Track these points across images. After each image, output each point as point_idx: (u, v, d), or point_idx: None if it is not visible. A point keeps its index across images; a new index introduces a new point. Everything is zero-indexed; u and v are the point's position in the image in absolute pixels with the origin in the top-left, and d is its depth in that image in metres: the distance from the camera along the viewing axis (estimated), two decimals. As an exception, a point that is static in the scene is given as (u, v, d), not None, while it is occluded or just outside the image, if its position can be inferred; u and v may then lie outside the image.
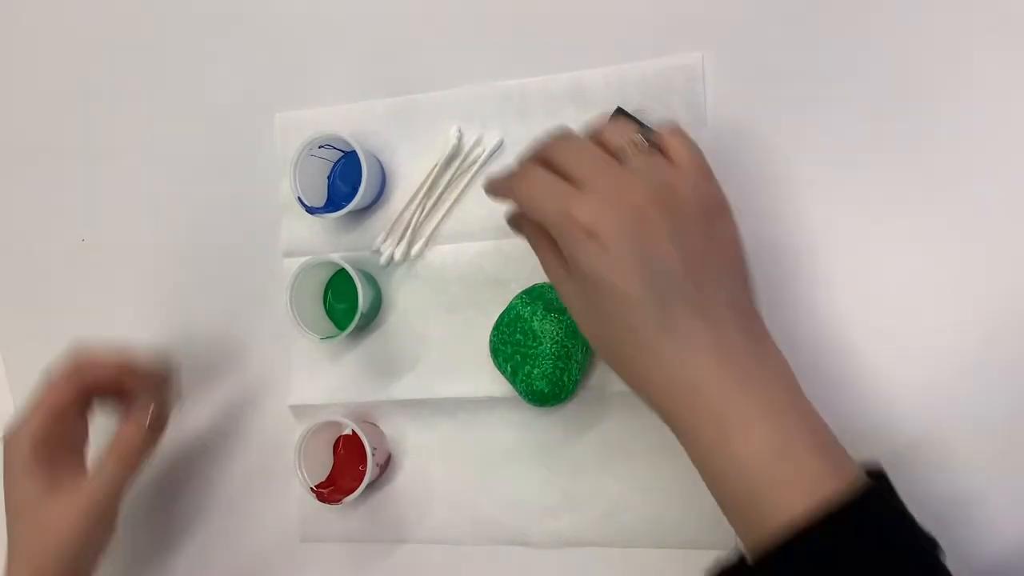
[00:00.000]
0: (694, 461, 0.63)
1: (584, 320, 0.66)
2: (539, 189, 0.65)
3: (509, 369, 0.83)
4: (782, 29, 0.82)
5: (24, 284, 1.06)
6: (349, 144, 0.87)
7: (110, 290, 1.02)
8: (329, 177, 0.93)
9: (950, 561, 0.69)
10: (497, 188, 0.70)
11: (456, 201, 0.89)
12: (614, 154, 0.64)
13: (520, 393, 0.84)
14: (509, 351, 0.83)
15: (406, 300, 0.91)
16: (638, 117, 0.81)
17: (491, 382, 0.87)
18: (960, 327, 0.77)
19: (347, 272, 0.86)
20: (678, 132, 0.67)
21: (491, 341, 0.84)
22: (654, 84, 0.84)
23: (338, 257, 0.87)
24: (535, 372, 0.81)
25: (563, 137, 0.67)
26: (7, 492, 0.84)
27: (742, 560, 0.61)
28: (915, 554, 0.60)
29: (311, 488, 0.87)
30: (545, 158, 0.66)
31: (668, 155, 0.65)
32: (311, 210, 0.88)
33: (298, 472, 0.87)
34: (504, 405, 0.88)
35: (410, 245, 0.90)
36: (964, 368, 0.77)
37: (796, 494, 0.58)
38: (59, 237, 1.04)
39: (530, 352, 0.82)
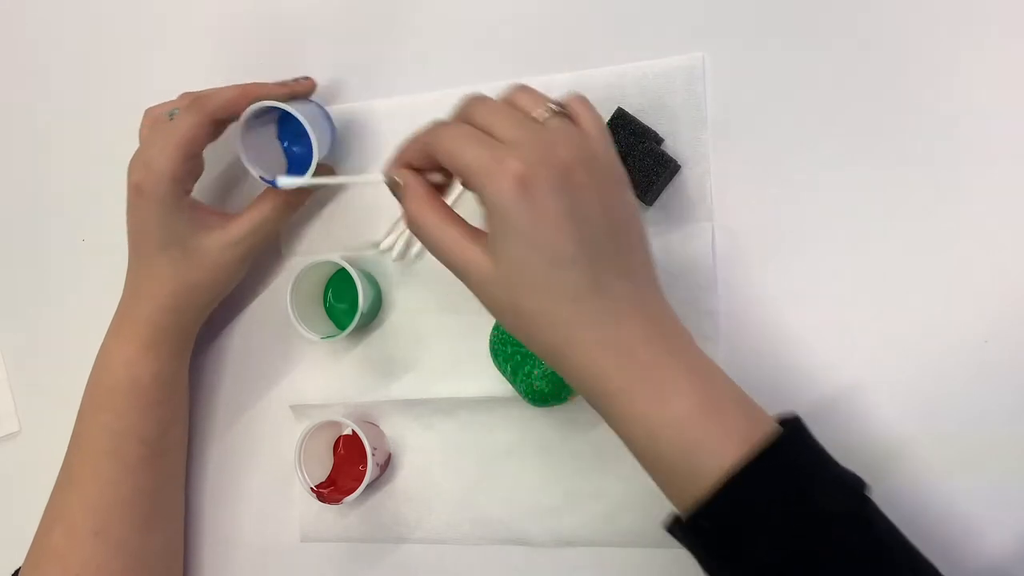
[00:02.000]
0: (620, 424, 0.63)
1: (499, 287, 0.63)
2: (465, 139, 0.63)
3: (509, 369, 0.83)
4: (782, 29, 0.82)
5: (24, 284, 1.06)
6: (278, 107, 0.85)
7: (110, 290, 1.01)
8: (285, 149, 0.92)
9: (947, 565, 0.69)
10: (408, 151, 0.68)
11: (457, 201, 0.89)
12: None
13: (520, 393, 0.83)
14: (509, 351, 0.83)
15: (406, 300, 0.91)
16: (638, 118, 0.81)
17: (491, 382, 0.87)
18: (960, 327, 0.77)
19: (347, 272, 0.86)
20: (584, 101, 0.66)
21: (491, 341, 0.84)
22: (655, 84, 0.84)
23: (338, 257, 0.87)
24: (535, 372, 0.81)
25: (481, 99, 0.66)
26: (146, 230, 0.86)
27: (677, 519, 0.63)
28: (840, 487, 0.62)
29: (311, 488, 0.87)
30: (466, 118, 0.65)
31: (577, 123, 0.64)
32: (271, 182, 0.87)
33: (298, 472, 0.87)
34: (504, 405, 0.88)
35: (409, 245, 0.90)
36: (964, 368, 0.77)
37: (727, 446, 0.60)
38: (59, 237, 1.04)
39: (530, 352, 0.82)
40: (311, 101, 0.91)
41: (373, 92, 0.93)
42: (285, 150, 0.92)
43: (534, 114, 0.64)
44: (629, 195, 0.65)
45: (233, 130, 0.88)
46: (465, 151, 0.62)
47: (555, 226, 0.60)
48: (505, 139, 0.62)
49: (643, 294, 0.64)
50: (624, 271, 0.63)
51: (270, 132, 0.92)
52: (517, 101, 0.65)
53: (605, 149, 0.64)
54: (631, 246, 0.64)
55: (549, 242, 0.60)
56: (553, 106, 0.64)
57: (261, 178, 0.87)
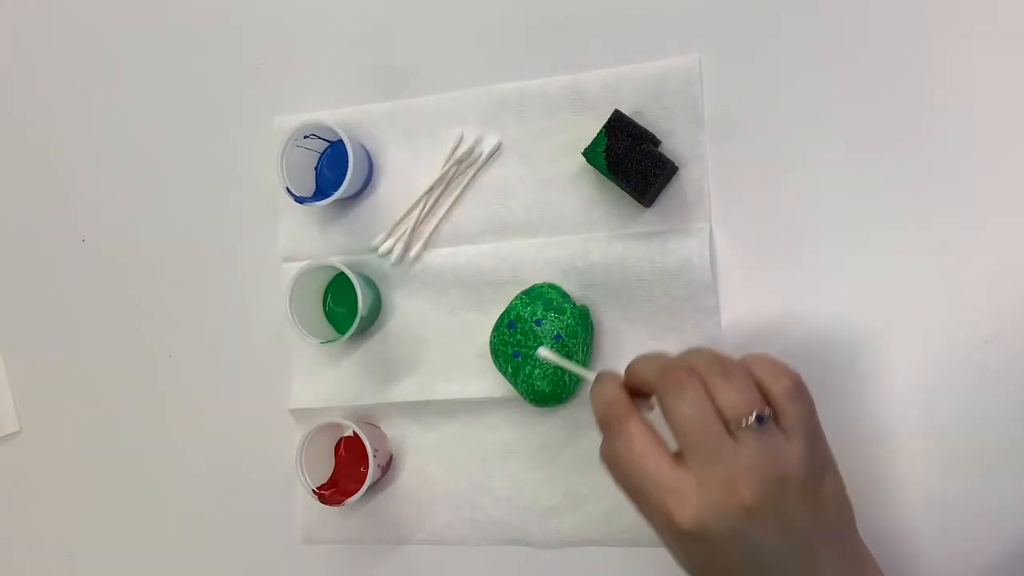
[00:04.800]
0: None
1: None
2: (696, 420, 0.60)
3: (510, 370, 0.83)
4: (780, 30, 0.81)
5: (24, 284, 1.06)
6: (335, 133, 0.87)
7: (110, 290, 1.02)
8: (316, 168, 0.94)
9: (948, 565, 0.69)
10: (637, 374, 0.66)
11: (455, 203, 0.89)
12: (729, 419, 0.60)
13: (521, 393, 0.84)
14: (509, 351, 0.83)
15: (405, 303, 0.91)
16: (636, 120, 0.81)
17: (492, 383, 0.87)
18: (960, 327, 0.77)
19: (346, 276, 0.86)
20: (793, 393, 0.61)
21: (491, 342, 0.84)
22: (652, 86, 0.84)
23: (337, 261, 0.87)
24: (536, 372, 0.82)
25: (688, 387, 0.61)
26: None
27: None
28: None
29: (313, 490, 0.87)
30: (663, 404, 0.62)
31: (780, 422, 0.61)
32: (300, 199, 0.89)
33: (300, 474, 0.87)
34: (505, 406, 0.88)
35: (408, 248, 0.90)
36: (964, 368, 0.77)
37: None
38: (59, 237, 1.04)
39: (530, 352, 0.82)
40: (361, 145, 0.91)
41: (373, 94, 0.93)
42: (317, 170, 0.94)
43: (731, 421, 0.60)
44: (826, 487, 0.62)
45: (284, 145, 0.89)
46: (690, 434, 0.60)
47: (730, 565, 0.60)
48: (688, 454, 0.60)
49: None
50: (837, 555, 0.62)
51: (312, 154, 0.94)
52: (722, 399, 0.60)
53: (798, 456, 0.60)
54: (823, 544, 0.61)
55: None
56: (757, 414, 0.60)
57: (287, 189, 0.89)
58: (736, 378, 0.61)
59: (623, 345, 0.85)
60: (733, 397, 0.60)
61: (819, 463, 0.61)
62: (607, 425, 0.64)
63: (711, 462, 0.59)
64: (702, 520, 0.58)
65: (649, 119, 0.83)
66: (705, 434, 0.59)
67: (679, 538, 0.60)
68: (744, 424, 0.59)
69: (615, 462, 0.63)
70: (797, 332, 0.80)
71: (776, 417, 0.60)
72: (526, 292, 0.84)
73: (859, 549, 0.64)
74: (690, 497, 0.59)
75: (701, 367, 0.62)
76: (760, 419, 0.59)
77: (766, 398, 0.61)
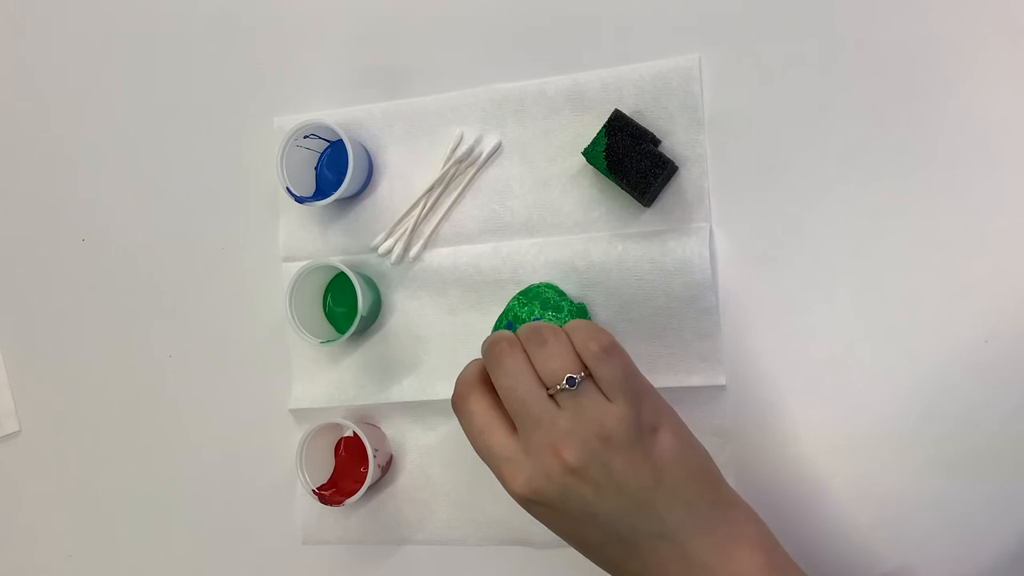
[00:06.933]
0: None
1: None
2: (518, 392, 0.64)
3: (509, 369, 0.83)
4: (780, 30, 0.81)
5: (24, 284, 1.06)
6: (335, 133, 0.87)
7: (110, 290, 1.02)
8: (316, 168, 0.94)
9: (948, 565, 0.69)
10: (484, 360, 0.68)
11: (454, 203, 0.89)
12: (548, 386, 0.63)
13: (520, 393, 0.83)
14: (508, 351, 0.83)
15: (405, 303, 0.91)
16: (636, 120, 0.81)
17: (491, 382, 0.87)
18: (960, 327, 0.77)
19: (346, 275, 0.86)
20: (602, 356, 0.63)
21: (490, 341, 0.84)
22: (651, 86, 0.84)
23: (337, 260, 0.87)
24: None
25: (506, 358, 0.65)
26: None
27: None
28: None
29: (313, 490, 0.87)
30: (491, 378, 0.66)
31: (599, 385, 0.63)
32: (300, 199, 0.89)
33: (299, 474, 0.87)
34: (504, 405, 0.88)
35: (408, 248, 0.90)
36: (964, 368, 0.77)
37: None
38: (59, 237, 1.04)
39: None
40: (361, 145, 0.91)
41: (373, 94, 0.93)
42: (317, 170, 0.94)
43: (551, 386, 0.63)
44: (660, 443, 0.63)
45: (284, 145, 0.89)
46: (513, 403, 0.64)
47: (574, 527, 0.64)
48: (516, 422, 0.64)
49: (683, 546, 0.62)
50: (660, 534, 0.62)
51: (312, 154, 0.94)
52: (541, 364, 0.64)
53: (622, 417, 0.62)
54: (670, 496, 0.62)
55: (574, 536, 0.65)
56: (571, 377, 0.62)
57: (287, 189, 0.89)
58: (552, 345, 0.64)
59: (622, 344, 0.84)
60: (549, 363, 0.63)
61: (648, 421, 0.63)
62: (453, 406, 0.67)
63: (535, 429, 0.62)
64: (533, 485, 0.62)
65: (649, 119, 0.83)
66: (525, 402, 0.63)
67: (521, 504, 0.64)
68: (558, 388, 0.62)
69: (468, 438, 0.66)
70: (797, 331, 0.80)
71: (595, 380, 0.63)
72: (523, 292, 0.84)
73: (721, 501, 0.65)
74: (520, 464, 0.62)
75: (522, 338, 0.65)
76: (571, 381, 0.62)
77: (583, 363, 0.64)
